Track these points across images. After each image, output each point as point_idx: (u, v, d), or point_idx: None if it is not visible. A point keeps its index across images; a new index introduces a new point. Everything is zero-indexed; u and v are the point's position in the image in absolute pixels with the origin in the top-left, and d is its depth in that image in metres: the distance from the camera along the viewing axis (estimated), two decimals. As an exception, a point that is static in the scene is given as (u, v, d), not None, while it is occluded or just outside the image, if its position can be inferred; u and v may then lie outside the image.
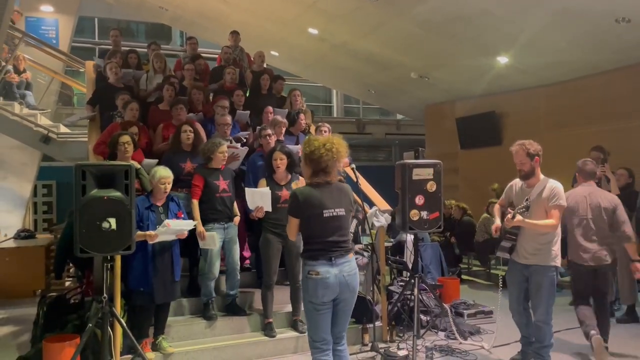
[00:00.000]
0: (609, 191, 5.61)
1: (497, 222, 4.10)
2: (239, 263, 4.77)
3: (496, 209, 4.28)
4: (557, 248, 3.90)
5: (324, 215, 3.14)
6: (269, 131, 5.25)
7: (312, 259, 3.14)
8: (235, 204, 4.82)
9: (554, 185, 3.88)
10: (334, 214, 3.17)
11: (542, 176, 3.95)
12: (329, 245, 3.14)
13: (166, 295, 4.18)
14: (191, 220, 4.24)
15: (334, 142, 3.18)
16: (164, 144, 5.30)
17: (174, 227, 3.99)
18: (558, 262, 3.90)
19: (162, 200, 4.22)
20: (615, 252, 4.49)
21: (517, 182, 4.12)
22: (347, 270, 3.15)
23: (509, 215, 3.79)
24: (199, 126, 5.40)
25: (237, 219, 4.75)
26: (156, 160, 4.83)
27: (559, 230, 3.91)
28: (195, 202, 4.59)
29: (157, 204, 4.18)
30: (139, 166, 4.55)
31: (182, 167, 4.87)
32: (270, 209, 4.53)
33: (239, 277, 4.75)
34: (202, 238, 4.47)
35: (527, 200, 3.79)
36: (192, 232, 4.35)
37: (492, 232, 4.13)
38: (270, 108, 6.10)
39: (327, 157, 3.15)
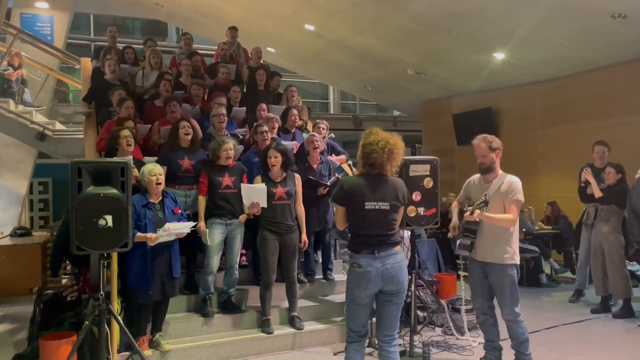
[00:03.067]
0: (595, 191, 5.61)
1: (455, 220, 4.06)
2: (237, 261, 4.76)
3: (454, 205, 4.22)
4: (515, 245, 3.84)
5: (366, 207, 3.13)
6: (265, 128, 5.25)
7: (356, 252, 3.16)
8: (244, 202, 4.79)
9: (512, 180, 3.83)
10: (376, 206, 3.14)
11: (500, 171, 3.93)
12: (371, 239, 3.14)
13: (165, 292, 4.17)
14: (190, 222, 4.25)
15: (391, 142, 3.16)
16: (157, 137, 5.29)
17: (174, 231, 4.03)
18: (517, 260, 3.85)
19: (158, 196, 4.20)
20: None
21: (474, 178, 4.08)
22: (390, 263, 3.12)
23: (468, 212, 3.75)
24: (194, 122, 5.39)
25: (242, 217, 4.74)
26: (155, 158, 4.81)
27: (516, 227, 3.87)
28: (201, 198, 4.66)
29: (153, 201, 4.17)
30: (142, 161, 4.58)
31: (179, 163, 4.84)
32: (265, 205, 4.53)
33: (237, 276, 4.75)
34: (200, 232, 4.52)
35: (485, 195, 3.74)
36: (192, 230, 4.35)
37: (450, 231, 4.08)
38: (263, 105, 6.09)
39: (377, 155, 3.13)
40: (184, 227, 4.11)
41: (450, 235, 4.14)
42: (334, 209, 3.40)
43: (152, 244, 3.97)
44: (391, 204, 3.18)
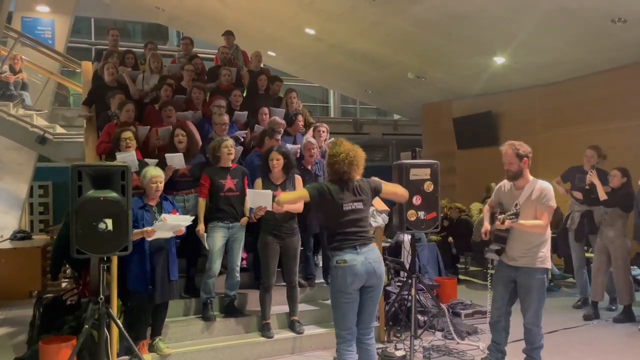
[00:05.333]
0: (598, 195, 5.61)
1: (487, 225, 4.02)
2: (239, 264, 4.76)
3: (485, 210, 4.19)
4: (546, 250, 3.83)
5: (344, 208, 3.37)
6: (279, 137, 5.28)
7: (338, 250, 3.34)
8: (246, 204, 4.75)
9: (543, 186, 3.80)
10: (353, 207, 3.40)
11: (531, 177, 3.89)
12: (350, 234, 3.36)
13: (164, 295, 4.17)
14: (188, 216, 4.22)
15: (351, 154, 3.43)
16: (156, 139, 5.31)
17: (171, 222, 3.95)
18: (548, 264, 3.84)
19: (156, 199, 4.21)
20: None
21: (505, 183, 4.05)
22: (372, 258, 3.34)
23: (498, 221, 3.74)
24: (192, 127, 5.39)
25: (244, 220, 4.73)
26: (156, 160, 4.82)
27: (548, 232, 3.85)
28: (201, 201, 4.64)
29: (150, 203, 4.17)
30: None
31: (177, 169, 4.86)
32: (271, 209, 4.52)
33: (238, 278, 4.75)
34: (199, 236, 4.53)
35: (516, 206, 3.71)
36: (190, 232, 4.35)
37: (482, 236, 4.02)
38: (265, 109, 6.09)
39: (339, 167, 3.41)
40: (181, 220, 4.06)
41: (484, 238, 4.00)
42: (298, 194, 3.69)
43: (150, 238, 3.94)
44: (364, 202, 3.46)
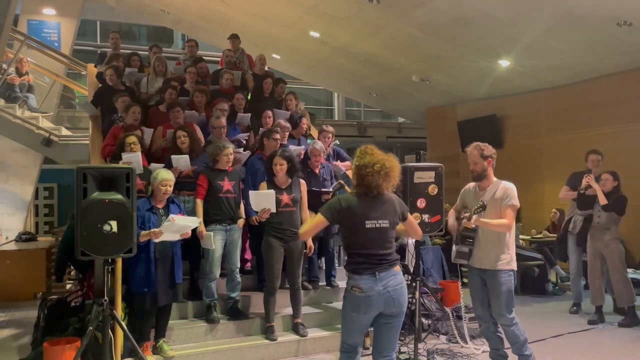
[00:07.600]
0: (595, 199, 5.59)
1: (451, 221, 4.04)
2: (238, 265, 4.77)
3: (450, 213, 4.17)
4: (511, 251, 3.83)
5: (367, 226, 3.04)
6: (278, 136, 5.28)
7: (356, 273, 3.04)
8: (242, 206, 4.83)
9: (507, 186, 3.84)
10: (377, 225, 3.05)
11: (494, 178, 3.94)
12: (372, 258, 3.04)
13: (168, 297, 4.19)
14: (195, 217, 4.23)
15: (387, 165, 3.06)
16: (163, 140, 5.34)
17: (179, 223, 3.95)
18: (513, 265, 3.83)
19: (163, 202, 4.22)
20: None
21: (470, 186, 4.09)
22: (392, 285, 3.02)
23: (465, 219, 3.75)
24: (196, 128, 5.41)
25: (241, 222, 4.76)
26: (162, 165, 4.84)
27: (513, 233, 3.87)
28: (199, 202, 4.65)
29: (158, 206, 4.19)
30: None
31: (180, 170, 4.88)
32: (275, 210, 4.53)
33: (239, 280, 4.75)
34: (201, 237, 4.53)
35: (482, 200, 3.76)
36: (194, 235, 4.36)
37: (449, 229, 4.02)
38: (269, 112, 6.10)
39: (372, 179, 3.03)
40: (189, 221, 4.06)
41: (450, 229, 4.04)
42: (315, 217, 3.22)
43: (157, 239, 3.96)
44: (390, 222, 3.11)
